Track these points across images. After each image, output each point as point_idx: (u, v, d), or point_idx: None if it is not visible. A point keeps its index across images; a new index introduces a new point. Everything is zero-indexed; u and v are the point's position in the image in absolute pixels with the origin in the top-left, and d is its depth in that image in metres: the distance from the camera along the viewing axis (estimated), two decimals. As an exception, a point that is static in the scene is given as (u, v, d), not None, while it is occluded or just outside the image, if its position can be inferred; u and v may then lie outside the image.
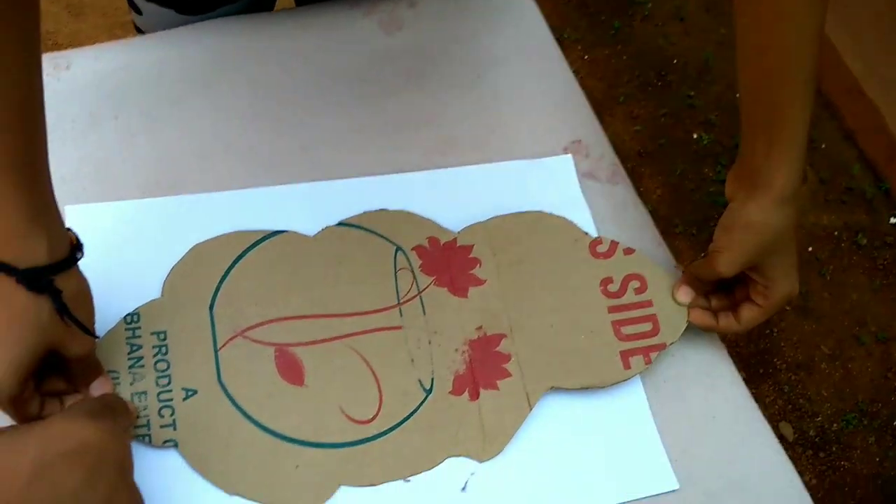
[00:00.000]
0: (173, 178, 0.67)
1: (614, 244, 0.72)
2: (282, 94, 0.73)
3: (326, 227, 0.69)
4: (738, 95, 0.63)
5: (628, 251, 0.72)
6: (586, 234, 0.72)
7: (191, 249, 0.66)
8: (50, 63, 0.68)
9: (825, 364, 1.67)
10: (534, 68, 0.81)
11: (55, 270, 0.50)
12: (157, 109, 0.68)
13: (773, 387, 1.63)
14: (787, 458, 0.69)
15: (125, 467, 0.48)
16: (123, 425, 0.53)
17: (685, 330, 0.70)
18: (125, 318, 0.62)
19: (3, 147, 0.47)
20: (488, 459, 0.63)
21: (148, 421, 0.59)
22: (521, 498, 0.62)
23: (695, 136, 1.83)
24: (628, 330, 0.68)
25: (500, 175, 0.75)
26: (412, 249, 0.69)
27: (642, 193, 1.74)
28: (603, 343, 0.67)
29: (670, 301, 0.70)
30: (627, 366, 0.67)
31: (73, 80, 0.67)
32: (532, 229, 0.72)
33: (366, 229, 0.70)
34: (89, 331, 0.53)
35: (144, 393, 0.60)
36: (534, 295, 0.69)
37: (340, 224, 0.70)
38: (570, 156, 0.77)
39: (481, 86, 0.78)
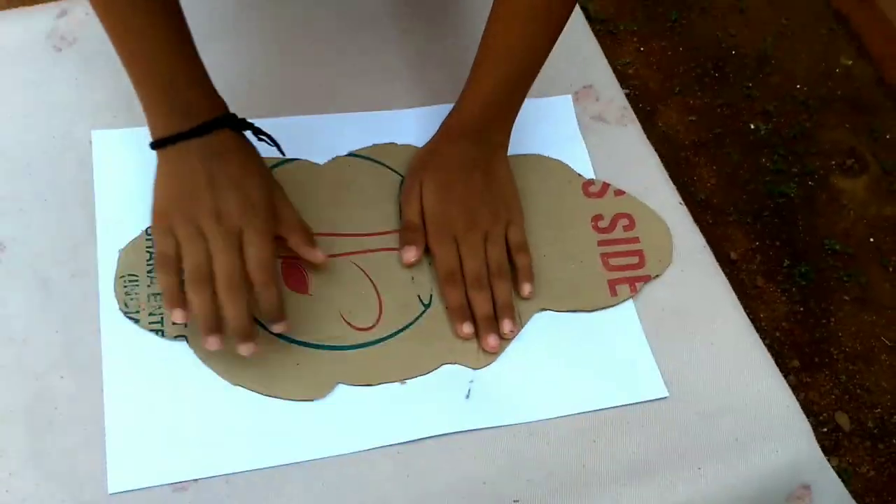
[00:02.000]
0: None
1: (606, 185, 0.75)
2: (304, 33, 0.78)
3: (336, 157, 0.74)
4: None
5: (619, 192, 0.75)
6: (580, 175, 0.76)
7: (210, 172, 0.71)
8: (83, 7, 0.75)
9: (885, 355, 1.62)
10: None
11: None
12: None
13: (829, 376, 1.59)
14: (787, 386, 0.69)
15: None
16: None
17: (687, 264, 0.72)
18: (146, 229, 0.68)
19: (182, 34, 0.62)
20: (482, 367, 0.66)
21: (162, 318, 0.64)
22: (515, 405, 0.64)
23: (752, 126, 1.82)
24: (616, 262, 0.72)
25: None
26: (400, 202, 0.73)
27: (695, 182, 1.74)
28: (591, 272, 0.71)
29: (656, 238, 0.74)
30: (614, 293, 0.70)
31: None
32: (531, 169, 0.76)
33: (374, 160, 0.74)
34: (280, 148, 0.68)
35: (160, 294, 0.65)
36: (529, 229, 0.72)
37: (350, 154, 0.74)
38: (569, 96, 0.79)
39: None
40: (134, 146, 0.71)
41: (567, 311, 0.69)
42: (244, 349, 0.59)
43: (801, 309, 1.63)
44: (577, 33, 0.82)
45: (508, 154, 0.74)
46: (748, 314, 0.71)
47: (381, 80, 0.78)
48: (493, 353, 0.66)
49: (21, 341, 0.61)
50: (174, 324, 0.63)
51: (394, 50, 0.80)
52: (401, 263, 0.69)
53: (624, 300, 0.70)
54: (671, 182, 0.78)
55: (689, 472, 0.62)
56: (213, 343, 0.59)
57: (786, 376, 1.72)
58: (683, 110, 1.83)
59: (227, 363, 0.63)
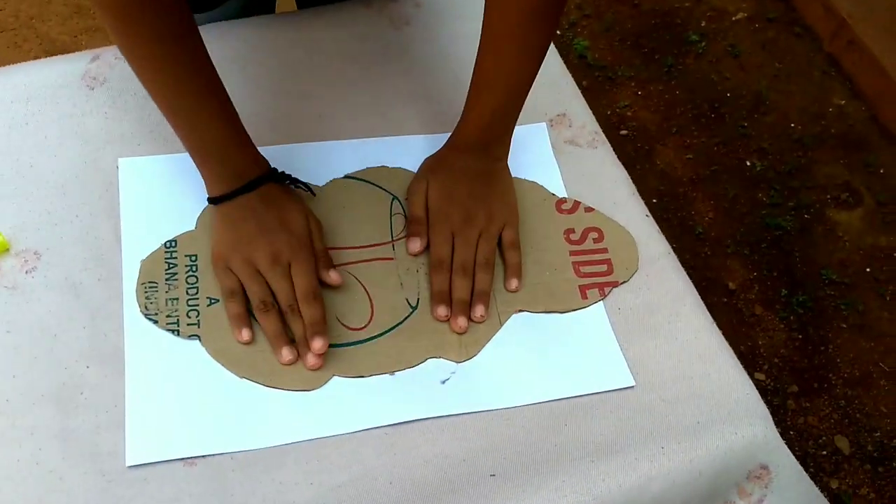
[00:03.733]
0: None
1: (577, 203, 0.83)
2: (306, 74, 0.87)
3: (334, 179, 0.82)
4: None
5: (588, 209, 0.83)
6: (553, 194, 0.84)
7: (222, 193, 0.80)
8: (113, 53, 0.85)
9: (884, 381, 1.66)
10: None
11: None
12: None
13: (828, 401, 1.63)
14: (747, 375, 0.75)
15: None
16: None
17: (653, 269, 0.80)
18: (165, 243, 0.76)
19: (226, 104, 0.72)
20: (464, 361, 0.73)
21: (177, 319, 0.72)
22: (492, 392, 0.71)
23: (748, 163, 1.89)
24: (586, 269, 0.79)
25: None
26: (406, 199, 0.82)
27: (693, 216, 1.80)
28: (564, 278, 0.78)
29: (623, 249, 0.81)
30: (585, 297, 0.77)
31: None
32: None
33: (367, 181, 0.83)
34: (312, 191, 0.80)
35: (176, 299, 0.73)
36: None
37: (346, 176, 0.83)
38: (544, 124, 0.88)
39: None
40: (155, 172, 0.80)
41: (542, 312, 0.76)
42: (318, 345, 0.69)
43: (800, 336, 1.68)
44: (551, 67, 0.91)
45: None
46: (747, 342, 0.77)
47: (371, 115, 0.87)
48: (474, 345, 0.73)
49: (53, 336, 0.69)
50: (188, 325, 0.71)
51: (383, 88, 0.89)
52: (395, 268, 0.77)
53: (594, 302, 0.77)
54: (639, 196, 0.85)
55: (653, 451, 0.68)
56: (286, 354, 0.70)
57: (784, 401, 1.75)
58: (681, 149, 1.90)
59: (234, 359, 0.71)
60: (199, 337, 0.71)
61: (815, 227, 1.81)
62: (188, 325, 0.72)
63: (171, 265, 0.75)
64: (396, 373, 0.72)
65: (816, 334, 1.69)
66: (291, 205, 0.75)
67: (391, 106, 0.88)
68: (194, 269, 0.75)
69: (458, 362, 0.73)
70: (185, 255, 0.76)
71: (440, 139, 0.84)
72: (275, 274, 0.71)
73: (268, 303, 0.71)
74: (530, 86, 0.78)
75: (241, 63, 0.87)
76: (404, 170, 0.84)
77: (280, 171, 0.76)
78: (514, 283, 0.77)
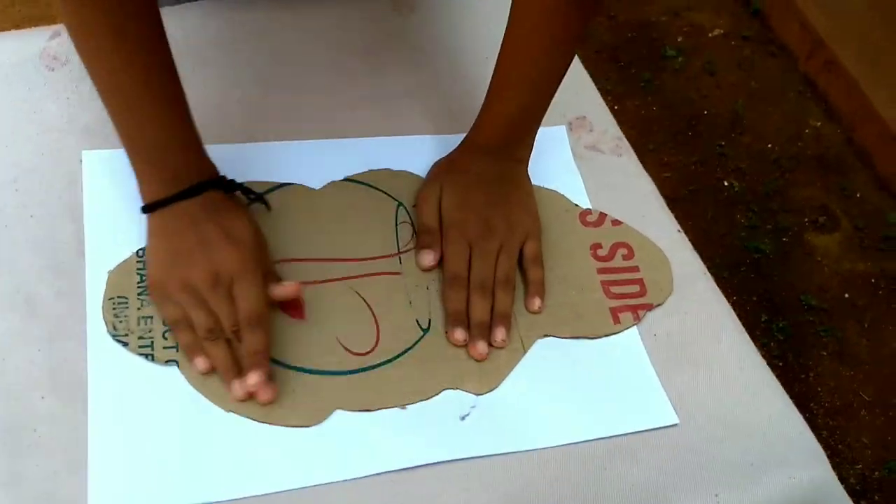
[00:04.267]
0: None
1: (603, 215, 0.75)
2: (301, 62, 0.78)
3: (332, 182, 0.72)
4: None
5: (616, 222, 0.75)
6: (576, 205, 0.75)
7: (204, 194, 0.69)
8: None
9: (865, 411, 1.62)
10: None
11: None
12: (181, 70, 0.72)
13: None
14: (797, 411, 0.67)
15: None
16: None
17: (688, 291, 0.72)
18: (137, 251, 0.65)
19: (174, 93, 0.62)
20: (485, 393, 0.63)
21: (152, 342, 0.61)
22: (519, 430, 0.62)
23: (725, 183, 1.85)
24: (617, 290, 0.71)
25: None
26: (413, 206, 0.72)
27: (673, 236, 1.75)
28: (593, 299, 0.70)
29: (656, 268, 0.73)
30: (617, 321, 0.69)
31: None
32: None
33: (370, 185, 0.73)
34: (267, 204, 0.69)
35: (150, 317, 0.62)
36: None
37: (346, 179, 0.73)
38: (563, 127, 0.79)
39: (489, 65, 0.82)
40: (125, 167, 0.69)
41: (570, 338, 0.68)
42: (252, 379, 0.59)
43: (780, 364, 1.63)
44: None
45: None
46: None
47: (375, 110, 0.77)
48: (494, 375, 0.64)
49: (0, 360, 0.58)
50: (164, 349, 0.60)
51: (387, 81, 0.79)
52: (402, 285, 0.68)
53: (627, 327, 0.69)
54: (668, 210, 0.77)
55: (706, 498, 0.60)
56: (237, 389, 0.59)
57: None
58: (658, 167, 1.85)
59: (218, 389, 0.60)
60: (177, 362, 0.61)
61: (793, 251, 1.77)
62: (164, 348, 0.61)
63: (143, 277, 0.64)
64: (408, 406, 0.62)
65: (797, 362, 1.64)
66: (235, 214, 0.64)
67: (395, 101, 0.78)
68: (171, 281, 0.64)
69: (477, 394, 0.64)
70: (161, 266, 0.65)
71: (450, 141, 0.75)
72: (215, 295, 0.61)
73: (214, 330, 0.60)
74: (560, 80, 0.70)
75: (224, 48, 0.77)
76: (410, 173, 0.74)
77: (230, 178, 0.66)
78: (536, 303, 0.68)
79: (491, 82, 0.71)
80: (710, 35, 2.09)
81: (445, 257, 0.68)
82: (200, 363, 0.60)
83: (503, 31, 0.82)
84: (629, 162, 0.79)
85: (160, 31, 0.60)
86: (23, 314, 0.60)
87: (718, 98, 1.98)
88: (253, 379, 0.58)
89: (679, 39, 2.07)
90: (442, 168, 0.73)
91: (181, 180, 0.63)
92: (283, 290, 0.63)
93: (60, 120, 0.70)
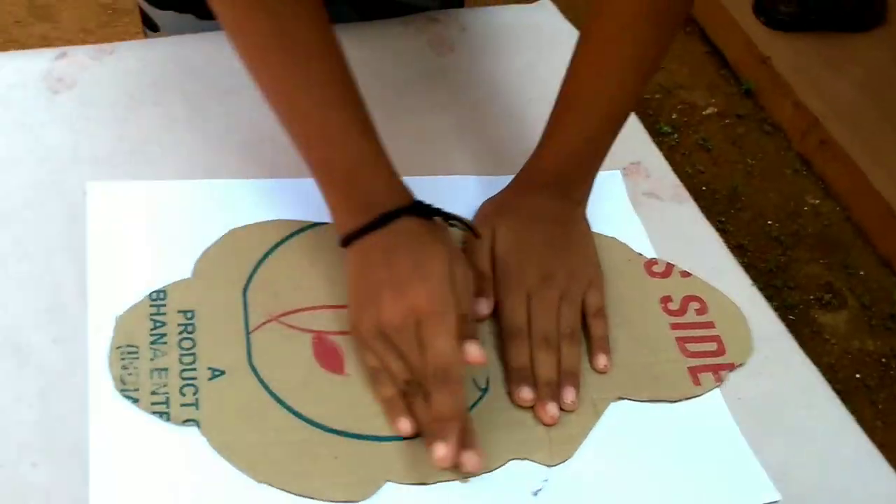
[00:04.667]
0: (212, 164, 0.64)
1: (670, 266, 0.68)
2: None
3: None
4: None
5: (685, 274, 0.68)
6: (640, 254, 0.69)
7: (228, 233, 0.62)
8: (95, 48, 0.66)
9: (886, 497, 1.53)
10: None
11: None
12: (202, 99, 0.66)
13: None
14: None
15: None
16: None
17: (769, 351, 0.64)
18: (150, 294, 0.57)
19: (366, 122, 0.57)
20: (556, 465, 0.55)
21: (167, 398, 0.52)
22: (601, 508, 0.53)
23: (729, 259, 1.80)
24: (694, 348, 0.63)
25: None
26: (463, 250, 0.64)
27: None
28: (669, 359, 0.63)
29: (732, 323, 0.66)
30: (697, 382, 0.61)
31: (116, 65, 0.66)
32: None
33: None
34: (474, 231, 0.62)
35: (166, 370, 0.53)
36: None
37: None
38: (618, 171, 0.73)
39: (533, 110, 0.76)
40: (136, 201, 0.61)
41: (647, 401, 0.59)
42: (441, 452, 0.51)
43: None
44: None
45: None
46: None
47: (413, 150, 0.70)
48: (567, 444, 0.55)
49: (-14, 419, 0.48)
50: (182, 406, 0.50)
51: (425, 120, 0.73)
52: None
53: (709, 390, 0.61)
54: (738, 263, 0.70)
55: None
56: (449, 450, 0.51)
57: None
58: (660, 242, 1.80)
59: (247, 455, 0.51)
60: (197, 423, 0.51)
61: (801, 329, 1.72)
62: (182, 406, 0.52)
63: (158, 324, 0.55)
64: (470, 479, 0.53)
65: (813, 445, 1.57)
66: (431, 244, 0.56)
67: (433, 141, 0.72)
68: (190, 328, 0.56)
69: (549, 466, 0.54)
70: (179, 312, 0.56)
71: (495, 182, 0.68)
72: (401, 339, 0.54)
73: (412, 383, 0.54)
74: (632, 110, 0.64)
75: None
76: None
77: (427, 203, 0.58)
78: (602, 361, 0.60)
79: (552, 111, 0.64)
80: (703, 113, 2.08)
81: (504, 309, 0.60)
82: (404, 425, 0.53)
83: (545, 74, 0.76)
84: (692, 210, 0.72)
85: (333, 37, 0.56)
86: (13, 366, 0.51)
87: (716, 174, 1.95)
88: (441, 451, 0.50)
89: (673, 116, 2.06)
90: (492, 208, 0.65)
91: (372, 207, 0.56)
92: (473, 353, 0.53)
93: (63, 148, 0.62)
